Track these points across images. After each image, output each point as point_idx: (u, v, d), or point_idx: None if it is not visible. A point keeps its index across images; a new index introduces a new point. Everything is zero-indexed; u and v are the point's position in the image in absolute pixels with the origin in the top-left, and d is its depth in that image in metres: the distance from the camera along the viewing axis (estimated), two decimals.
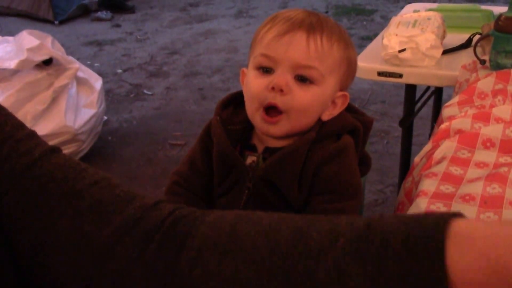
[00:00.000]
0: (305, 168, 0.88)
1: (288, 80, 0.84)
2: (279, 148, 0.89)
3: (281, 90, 0.83)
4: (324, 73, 0.85)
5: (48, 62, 2.36)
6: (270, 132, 0.88)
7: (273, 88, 0.84)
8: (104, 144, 2.85)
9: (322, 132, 0.89)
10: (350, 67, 0.90)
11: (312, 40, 0.83)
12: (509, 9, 1.20)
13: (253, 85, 0.87)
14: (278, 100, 0.84)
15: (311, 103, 0.86)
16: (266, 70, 0.86)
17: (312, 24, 0.84)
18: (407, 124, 1.74)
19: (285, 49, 0.83)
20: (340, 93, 0.90)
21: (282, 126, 0.87)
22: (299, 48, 0.83)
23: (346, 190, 0.88)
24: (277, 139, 0.90)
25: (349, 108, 0.94)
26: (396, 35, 1.42)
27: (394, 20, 1.54)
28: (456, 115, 1.06)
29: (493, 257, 0.35)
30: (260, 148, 0.93)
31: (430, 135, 1.29)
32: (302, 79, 0.84)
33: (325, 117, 0.90)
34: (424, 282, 0.36)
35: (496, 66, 1.22)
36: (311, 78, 0.84)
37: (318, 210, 0.87)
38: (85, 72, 2.71)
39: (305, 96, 0.85)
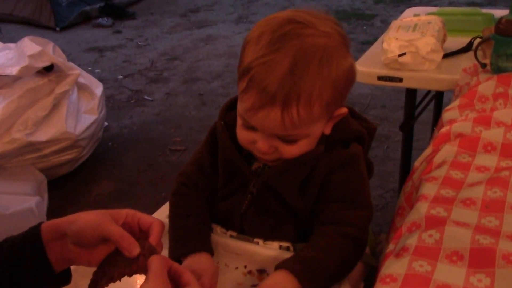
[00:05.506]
0: (312, 176, 0.87)
1: (271, 143, 0.83)
2: None
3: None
4: (308, 131, 0.82)
5: (49, 69, 2.36)
6: (267, 163, 0.89)
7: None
8: (105, 150, 2.85)
9: (330, 140, 0.89)
10: (343, 84, 0.82)
11: (287, 115, 0.77)
12: (510, 12, 1.19)
13: (239, 134, 0.87)
14: (266, 157, 0.86)
15: (301, 150, 0.85)
16: (250, 127, 0.84)
17: (286, 94, 0.76)
18: (407, 128, 1.74)
19: (261, 122, 0.80)
20: (337, 112, 0.86)
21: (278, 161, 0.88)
22: (275, 124, 0.79)
23: (358, 199, 0.88)
24: None
25: (352, 114, 0.93)
26: (396, 39, 1.42)
27: (394, 24, 1.54)
28: (456, 118, 1.06)
29: None
30: None
31: (430, 140, 1.28)
32: (285, 140, 0.83)
33: (327, 131, 0.88)
34: None
35: (497, 70, 1.22)
36: (294, 139, 0.83)
37: (331, 219, 0.86)
38: (86, 78, 2.71)
39: (293, 149, 0.84)
